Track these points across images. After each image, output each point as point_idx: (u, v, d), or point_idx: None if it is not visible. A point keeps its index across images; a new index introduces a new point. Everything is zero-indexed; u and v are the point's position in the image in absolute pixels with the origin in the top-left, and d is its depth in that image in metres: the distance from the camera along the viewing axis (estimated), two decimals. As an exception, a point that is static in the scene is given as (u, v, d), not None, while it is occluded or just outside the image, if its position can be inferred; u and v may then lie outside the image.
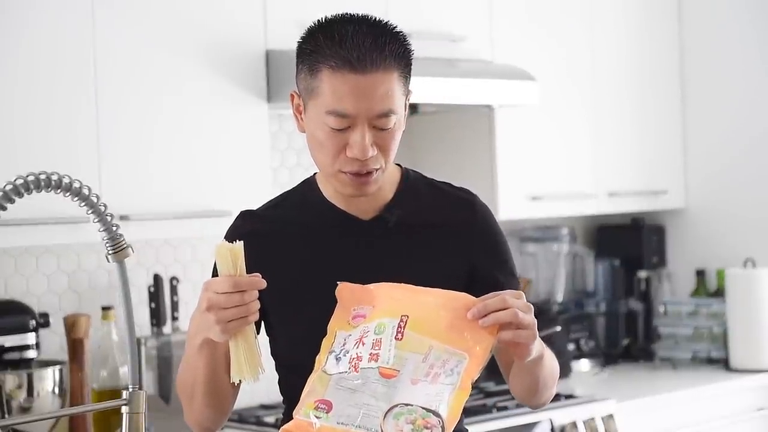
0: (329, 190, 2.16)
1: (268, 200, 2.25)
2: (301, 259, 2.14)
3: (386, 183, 2.16)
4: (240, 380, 1.95)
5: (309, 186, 2.20)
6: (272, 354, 2.18)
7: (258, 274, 1.94)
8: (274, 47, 3.51)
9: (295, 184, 2.26)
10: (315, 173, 2.21)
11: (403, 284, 1.94)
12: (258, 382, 1.96)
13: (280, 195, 2.24)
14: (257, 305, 1.93)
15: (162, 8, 3.31)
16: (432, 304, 1.90)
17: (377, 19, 2.09)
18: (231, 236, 2.12)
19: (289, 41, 3.52)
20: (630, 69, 4.63)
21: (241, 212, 2.21)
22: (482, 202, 2.23)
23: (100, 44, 3.19)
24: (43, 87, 3.10)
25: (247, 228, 2.15)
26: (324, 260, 2.13)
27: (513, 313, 1.87)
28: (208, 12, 3.40)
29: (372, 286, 1.95)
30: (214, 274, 2.02)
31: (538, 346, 1.98)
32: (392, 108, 2.04)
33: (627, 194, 4.59)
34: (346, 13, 2.09)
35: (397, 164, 2.21)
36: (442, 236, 2.16)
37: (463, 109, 4.12)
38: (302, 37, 2.10)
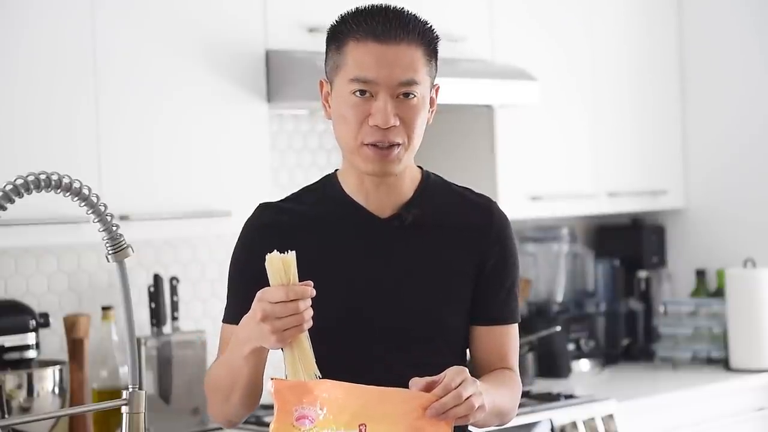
0: (349, 186, 2.18)
1: (289, 194, 2.27)
2: (317, 253, 2.15)
3: (406, 182, 2.19)
4: None
5: (329, 181, 2.23)
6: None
7: (310, 282, 1.95)
8: (274, 47, 3.51)
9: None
10: (336, 170, 2.23)
11: (345, 383, 1.91)
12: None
13: (301, 189, 2.27)
14: (311, 313, 1.94)
15: (162, 8, 3.31)
16: (388, 409, 1.88)
17: (406, 9, 2.14)
18: (249, 227, 2.19)
19: (289, 41, 3.55)
20: (630, 69, 4.63)
21: (260, 204, 2.24)
22: (500, 210, 2.25)
23: (100, 44, 3.19)
24: (43, 87, 3.10)
25: (265, 219, 2.19)
26: (339, 254, 2.16)
27: (470, 405, 1.90)
28: (208, 12, 3.40)
29: (310, 382, 1.92)
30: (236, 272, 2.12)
31: (488, 402, 1.98)
32: (414, 78, 2.08)
33: (627, 194, 4.59)
34: (379, 3, 2.14)
35: (418, 166, 2.24)
36: (456, 238, 2.18)
37: (463, 109, 4.12)
38: (332, 24, 2.15)
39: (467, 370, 1.94)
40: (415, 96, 2.09)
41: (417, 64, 2.09)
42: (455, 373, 1.91)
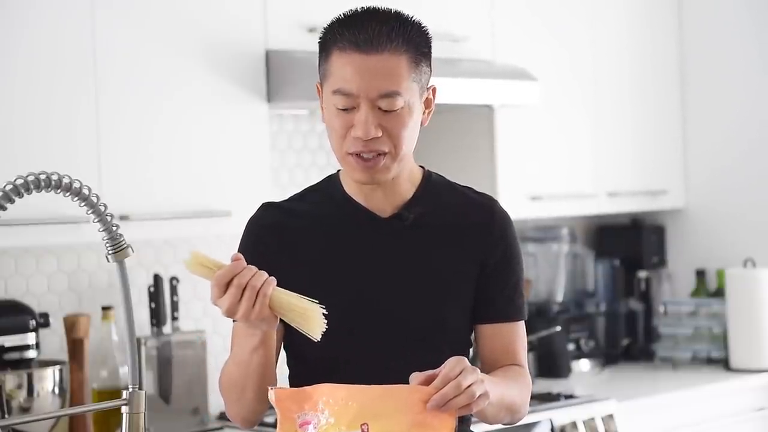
0: (350, 186, 2.19)
1: (292, 194, 2.27)
2: (319, 252, 2.15)
3: (407, 182, 2.18)
4: (321, 333, 1.93)
5: (332, 181, 2.23)
6: (284, 347, 2.20)
7: (239, 254, 1.95)
8: (274, 47, 3.51)
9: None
10: (339, 170, 2.23)
11: (344, 385, 1.90)
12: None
13: (304, 189, 2.27)
14: (262, 275, 1.92)
15: (162, 8, 3.31)
16: (389, 406, 1.87)
17: (398, 11, 2.12)
18: (252, 226, 2.19)
19: (289, 41, 3.55)
20: (630, 69, 4.63)
21: (264, 203, 2.24)
22: (502, 209, 2.24)
23: (100, 44, 3.19)
24: (43, 87, 3.10)
25: (269, 219, 2.19)
26: (340, 255, 2.16)
27: (470, 394, 1.88)
28: (208, 12, 3.40)
29: (309, 388, 1.91)
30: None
31: (493, 392, 1.97)
32: (396, 89, 2.06)
33: (627, 194, 4.59)
34: (370, 6, 2.12)
35: (420, 166, 2.23)
36: (458, 237, 2.18)
37: (464, 109, 4.12)
38: (322, 30, 2.14)
39: (466, 359, 1.93)
40: (398, 106, 2.07)
41: (400, 74, 2.06)
42: (454, 364, 1.91)
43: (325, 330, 1.93)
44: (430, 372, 1.91)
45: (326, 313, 1.92)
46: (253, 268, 1.92)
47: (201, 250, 1.94)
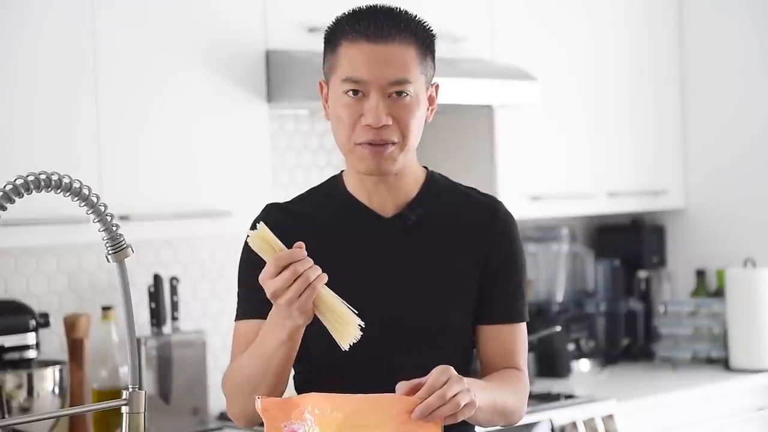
0: (352, 186, 2.19)
1: (296, 195, 2.27)
2: (323, 253, 2.14)
3: (410, 181, 2.18)
4: (350, 344, 1.93)
5: (334, 182, 2.24)
6: None
7: (301, 242, 1.95)
8: (274, 47, 3.51)
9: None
10: (342, 171, 2.23)
11: (331, 394, 1.90)
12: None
13: (308, 190, 2.28)
14: (317, 270, 1.92)
15: (162, 8, 3.31)
16: (374, 416, 1.87)
17: (402, 8, 2.14)
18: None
19: (289, 41, 3.55)
20: (630, 69, 4.63)
21: (268, 204, 2.25)
22: (506, 210, 2.25)
23: (100, 44, 3.19)
24: (43, 87, 3.10)
25: (272, 220, 2.18)
26: (343, 255, 2.16)
27: (455, 404, 1.88)
28: (208, 12, 3.40)
29: (295, 397, 1.92)
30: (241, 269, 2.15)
31: (483, 398, 1.97)
32: (407, 77, 2.08)
33: (627, 194, 4.59)
34: (374, 4, 2.15)
35: (423, 166, 2.24)
36: (461, 237, 2.18)
37: (464, 109, 4.12)
38: (328, 26, 2.16)
39: (452, 368, 1.93)
40: (408, 95, 2.09)
41: (409, 63, 2.09)
42: (440, 373, 1.90)
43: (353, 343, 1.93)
44: (416, 381, 1.90)
45: (364, 328, 1.93)
46: (311, 261, 1.93)
47: (265, 229, 1.95)
